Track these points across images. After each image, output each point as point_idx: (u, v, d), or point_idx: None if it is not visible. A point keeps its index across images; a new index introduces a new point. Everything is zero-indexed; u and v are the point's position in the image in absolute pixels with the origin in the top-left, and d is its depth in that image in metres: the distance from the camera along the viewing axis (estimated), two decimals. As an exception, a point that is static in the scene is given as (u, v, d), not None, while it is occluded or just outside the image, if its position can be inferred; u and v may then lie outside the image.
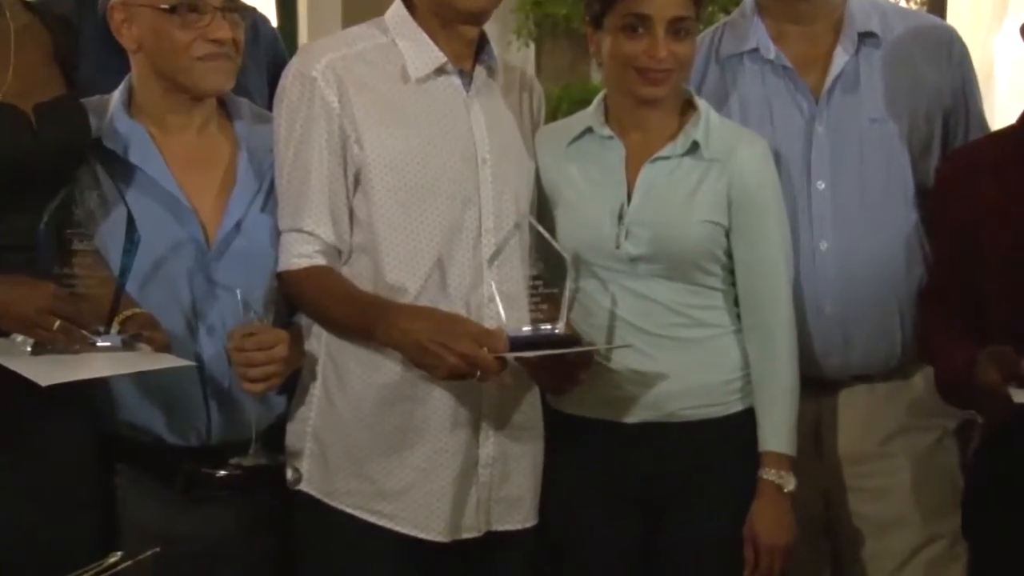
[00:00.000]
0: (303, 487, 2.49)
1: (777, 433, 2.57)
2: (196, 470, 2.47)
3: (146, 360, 2.32)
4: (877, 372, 2.75)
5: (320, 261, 2.45)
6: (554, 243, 2.49)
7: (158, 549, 2.08)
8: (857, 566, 2.78)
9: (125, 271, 2.32)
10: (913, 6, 5.70)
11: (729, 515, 2.57)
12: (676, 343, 2.58)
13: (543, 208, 2.62)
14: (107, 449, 2.47)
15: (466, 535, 2.49)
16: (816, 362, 2.70)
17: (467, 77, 2.50)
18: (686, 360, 2.57)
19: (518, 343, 2.35)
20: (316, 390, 2.49)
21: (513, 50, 6.14)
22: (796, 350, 2.60)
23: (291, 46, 3.28)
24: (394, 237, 2.42)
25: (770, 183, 2.61)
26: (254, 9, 2.83)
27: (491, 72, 2.54)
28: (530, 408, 2.55)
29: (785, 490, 2.56)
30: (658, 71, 2.53)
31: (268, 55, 2.95)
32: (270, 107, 2.55)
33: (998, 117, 3.00)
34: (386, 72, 2.46)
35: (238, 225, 2.49)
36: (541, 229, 2.49)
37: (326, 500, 2.47)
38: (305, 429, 2.50)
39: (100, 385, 2.41)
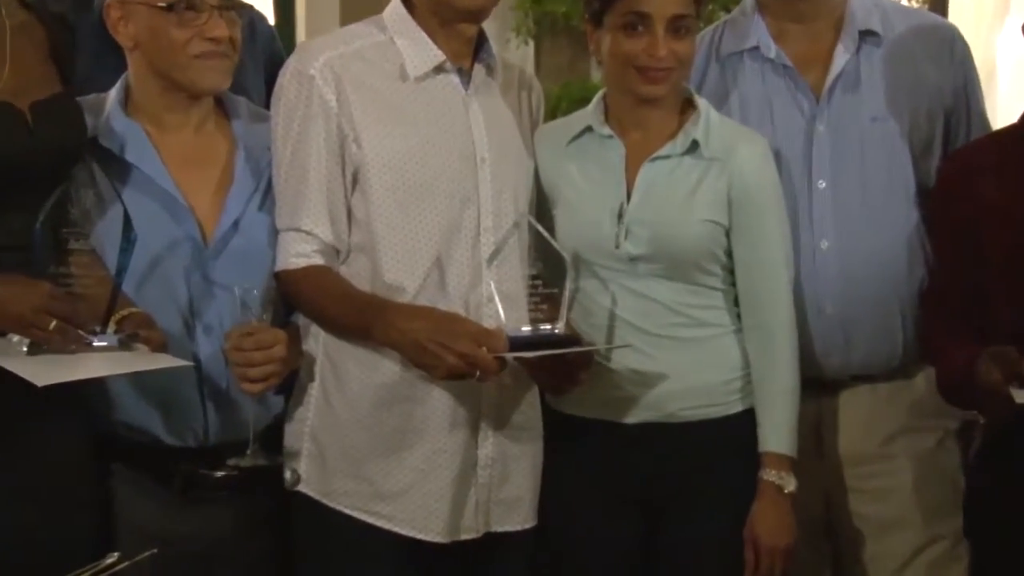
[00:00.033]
0: (301, 488, 2.48)
1: (777, 434, 2.56)
2: (194, 471, 2.47)
3: (143, 360, 2.31)
4: (878, 372, 2.74)
5: (318, 260, 2.44)
6: (553, 242, 2.49)
7: (156, 550, 2.07)
8: (858, 567, 2.77)
9: (121, 270, 2.32)
10: (915, 4, 5.69)
11: (729, 516, 2.56)
12: (676, 343, 2.57)
13: (542, 207, 2.61)
14: (104, 449, 2.46)
15: (465, 536, 2.48)
16: (817, 362, 2.69)
17: (466, 76, 2.50)
18: (686, 360, 2.57)
19: (517, 343, 2.34)
20: (314, 390, 2.48)
21: (512, 48, 6.13)
22: (796, 350, 2.59)
23: (289, 44, 3.27)
24: (392, 236, 2.42)
25: (770, 182, 2.61)
26: (251, 7, 2.83)
27: (490, 70, 2.53)
28: (529, 408, 2.54)
29: (786, 491, 2.55)
30: (658, 70, 2.53)
31: (265, 53, 2.94)
32: (267, 106, 2.55)
33: (1000, 116, 2.99)
34: (384, 70, 2.45)
35: (236, 224, 2.49)
36: (540, 228, 2.49)
37: (324, 501, 2.46)
38: (303, 430, 2.49)
39: (96, 385, 2.40)
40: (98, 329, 2.30)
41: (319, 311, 2.47)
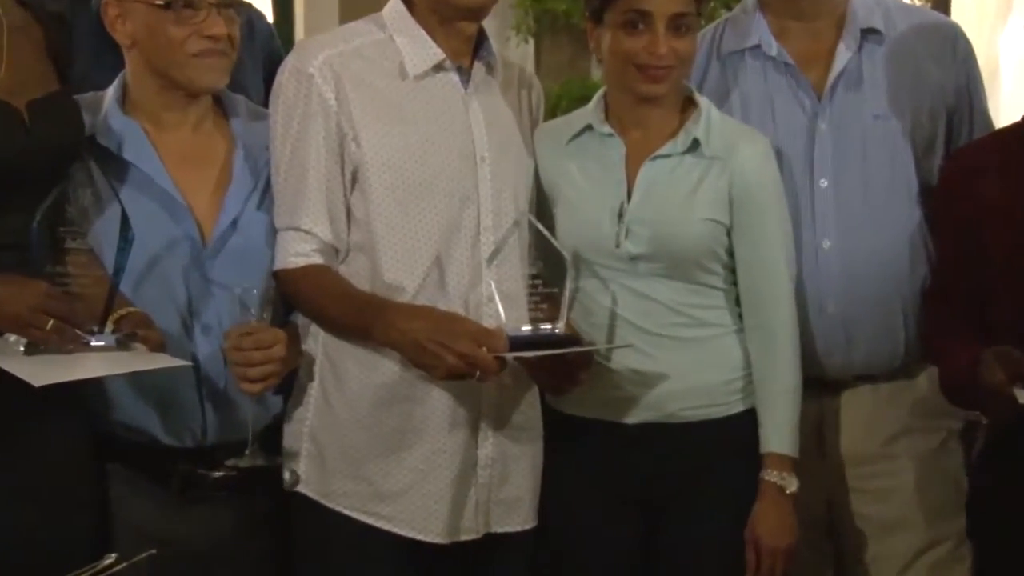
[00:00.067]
0: (300, 488, 2.47)
1: (779, 434, 2.55)
2: (192, 471, 2.46)
3: (141, 360, 2.31)
4: (880, 372, 2.74)
5: (317, 260, 2.43)
6: (554, 242, 2.48)
7: (154, 551, 2.08)
8: (860, 568, 2.77)
9: (119, 270, 2.31)
10: (917, 3, 5.68)
11: (730, 517, 2.56)
12: (677, 343, 2.56)
13: (542, 206, 2.61)
14: (102, 450, 2.45)
15: (465, 537, 2.48)
16: (818, 362, 2.69)
17: (465, 74, 2.49)
18: (687, 360, 2.56)
19: (517, 343, 2.34)
20: (313, 390, 2.48)
21: (512, 46, 6.13)
22: (798, 350, 2.59)
23: (287, 42, 3.26)
24: (392, 236, 2.41)
25: (771, 181, 2.60)
26: (250, 5, 2.83)
27: (490, 69, 2.52)
28: (529, 408, 2.54)
29: (787, 491, 2.54)
30: (658, 68, 2.52)
31: (264, 51, 2.94)
32: (266, 104, 2.54)
33: (1002, 115, 2.98)
34: (384, 69, 2.45)
35: (234, 223, 2.48)
36: (541, 227, 2.48)
37: (323, 502, 2.46)
38: (302, 430, 2.48)
39: (94, 385, 2.39)
40: (96, 329, 2.29)
41: (318, 310, 2.46)
